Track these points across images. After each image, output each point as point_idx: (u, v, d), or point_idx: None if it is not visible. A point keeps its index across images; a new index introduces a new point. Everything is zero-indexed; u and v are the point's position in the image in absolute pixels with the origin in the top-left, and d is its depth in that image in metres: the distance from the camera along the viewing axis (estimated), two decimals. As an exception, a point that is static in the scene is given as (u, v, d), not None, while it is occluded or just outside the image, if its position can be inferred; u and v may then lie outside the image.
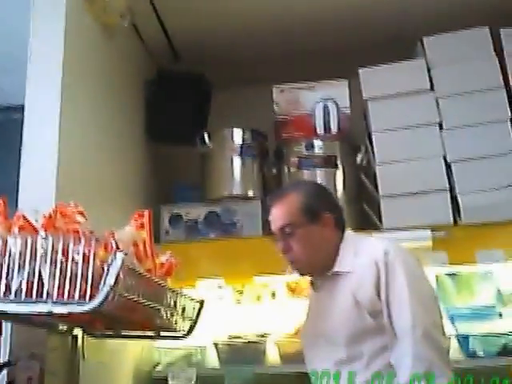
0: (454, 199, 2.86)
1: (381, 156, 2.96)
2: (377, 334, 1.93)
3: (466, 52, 3.02)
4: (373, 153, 3.00)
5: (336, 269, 2.06)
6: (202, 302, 2.15)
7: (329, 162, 3.04)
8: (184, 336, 2.11)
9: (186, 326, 2.08)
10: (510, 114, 2.92)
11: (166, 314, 1.91)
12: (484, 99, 2.95)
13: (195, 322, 2.12)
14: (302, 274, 2.14)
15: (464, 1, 3.03)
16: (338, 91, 3.20)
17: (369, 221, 2.99)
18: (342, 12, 3.12)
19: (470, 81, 2.98)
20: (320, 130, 3.16)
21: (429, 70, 3.04)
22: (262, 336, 3.03)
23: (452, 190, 2.87)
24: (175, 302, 1.97)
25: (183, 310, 2.04)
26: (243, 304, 3.23)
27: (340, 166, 3.05)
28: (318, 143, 3.07)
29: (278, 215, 2.07)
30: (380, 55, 3.03)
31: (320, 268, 2.09)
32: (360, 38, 3.27)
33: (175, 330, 2.04)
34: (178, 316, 2.00)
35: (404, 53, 3.11)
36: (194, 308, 2.15)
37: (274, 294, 3.24)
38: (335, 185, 3.04)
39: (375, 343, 1.93)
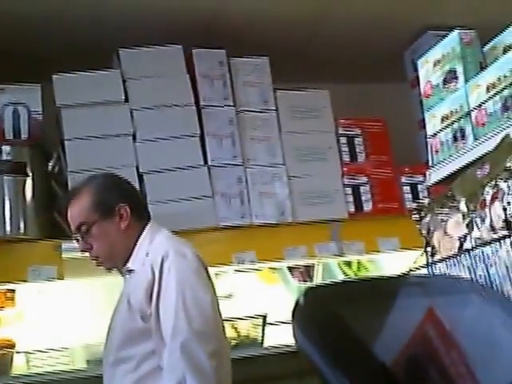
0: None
1: (73, 164, 2.90)
2: (147, 338, 1.94)
3: (160, 67, 3.13)
4: (65, 161, 2.93)
5: (128, 265, 2.06)
6: None
7: (18, 169, 2.85)
8: None
9: None
10: (199, 130, 3.09)
11: None
12: (176, 114, 3.08)
13: None
14: (108, 269, 2.12)
15: (160, 18, 3.11)
16: (30, 96, 3.03)
17: (60, 229, 2.86)
18: (43, 15, 2.98)
19: (163, 95, 3.09)
20: (9, 134, 2.96)
21: (124, 82, 3.07)
22: None
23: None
24: None
25: None
26: None
27: (30, 173, 2.89)
28: (5, 149, 2.87)
29: (72, 215, 2.07)
30: (78, 63, 2.96)
31: (122, 262, 2.07)
32: (57, 43, 3.15)
33: None
34: None
35: (102, 62, 3.09)
36: None
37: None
38: (24, 192, 2.85)
39: (145, 347, 1.94)
